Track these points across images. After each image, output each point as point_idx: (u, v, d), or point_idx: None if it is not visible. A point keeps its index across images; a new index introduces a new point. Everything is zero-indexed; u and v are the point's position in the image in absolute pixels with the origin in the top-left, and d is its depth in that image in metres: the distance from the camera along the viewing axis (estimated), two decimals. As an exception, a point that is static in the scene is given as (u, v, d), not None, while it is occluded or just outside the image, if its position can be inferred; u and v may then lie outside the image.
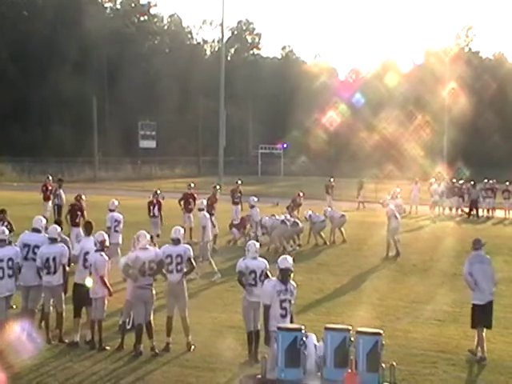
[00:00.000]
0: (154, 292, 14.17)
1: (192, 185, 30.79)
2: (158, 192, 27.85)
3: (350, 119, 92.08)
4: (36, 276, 14.47)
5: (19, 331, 14.15)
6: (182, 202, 29.10)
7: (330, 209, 31.12)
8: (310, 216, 29.00)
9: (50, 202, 31.97)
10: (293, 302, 11.87)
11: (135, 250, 14.29)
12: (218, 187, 29.45)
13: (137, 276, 13.85)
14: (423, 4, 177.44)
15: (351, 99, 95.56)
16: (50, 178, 34.65)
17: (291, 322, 11.67)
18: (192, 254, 14.67)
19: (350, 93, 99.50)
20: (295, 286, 11.97)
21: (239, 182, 34.36)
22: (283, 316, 11.52)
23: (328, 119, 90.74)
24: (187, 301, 14.56)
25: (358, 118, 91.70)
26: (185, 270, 14.50)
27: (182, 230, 15.17)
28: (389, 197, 28.74)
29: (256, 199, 27.87)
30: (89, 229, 15.23)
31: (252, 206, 27.39)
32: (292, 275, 11.89)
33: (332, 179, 41.63)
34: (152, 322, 14.01)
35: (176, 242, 14.61)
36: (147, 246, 14.29)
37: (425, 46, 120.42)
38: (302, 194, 34.09)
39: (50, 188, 32.77)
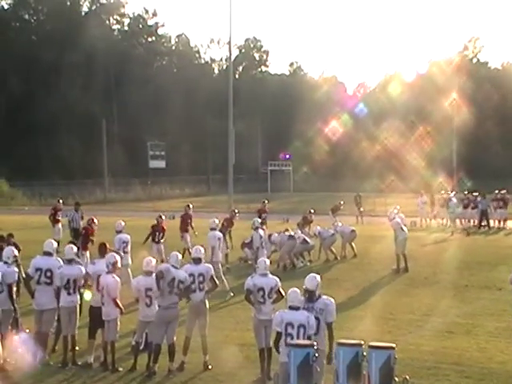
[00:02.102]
0: (178, 311, 14.16)
1: (190, 206, 30.61)
2: (163, 217, 27.10)
3: (352, 129, 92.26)
4: (49, 299, 14.56)
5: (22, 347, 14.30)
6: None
7: (340, 224, 31.11)
8: (319, 232, 29.01)
9: (60, 225, 32.06)
10: (329, 319, 11.53)
11: (167, 263, 14.26)
12: (237, 211, 29.22)
13: (164, 291, 13.76)
14: (430, 15, 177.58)
15: (354, 109, 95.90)
16: (61, 201, 34.72)
17: (330, 337, 11.50)
18: (213, 272, 14.78)
19: (353, 103, 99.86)
20: (331, 301, 11.70)
21: (266, 201, 34.23)
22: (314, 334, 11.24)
23: (331, 129, 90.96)
24: (208, 319, 14.62)
25: (360, 128, 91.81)
26: (207, 288, 14.58)
27: (203, 250, 15.20)
28: (396, 210, 28.62)
29: (260, 220, 26.01)
30: (103, 251, 15.30)
31: (256, 228, 24.64)
32: (316, 294, 11.71)
33: (342, 202, 41.34)
34: (175, 344, 14.00)
35: (197, 261, 14.67)
36: (178, 267, 14.23)
37: (430, 56, 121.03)
38: (312, 211, 34.02)
39: (59, 211, 32.83)
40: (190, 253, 26.89)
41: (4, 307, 14.11)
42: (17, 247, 17.72)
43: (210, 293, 14.87)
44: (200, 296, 14.41)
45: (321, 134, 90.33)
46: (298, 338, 10.97)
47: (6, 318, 14.21)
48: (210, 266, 14.94)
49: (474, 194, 44.10)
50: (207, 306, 14.64)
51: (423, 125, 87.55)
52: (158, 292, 13.95)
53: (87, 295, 14.36)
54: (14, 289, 14.48)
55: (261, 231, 24.84)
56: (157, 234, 25.91)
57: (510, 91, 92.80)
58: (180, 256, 14.59)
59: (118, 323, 14.32)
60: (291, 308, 11.32)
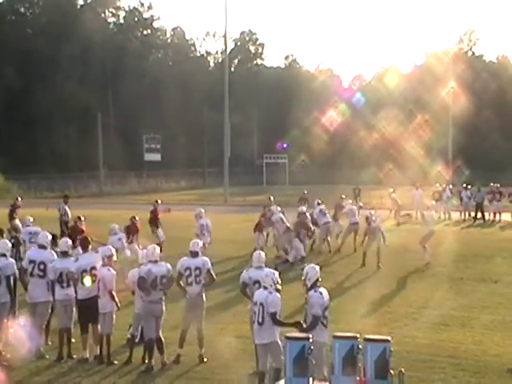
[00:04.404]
0: (164, 306, 14.09)
1: (159, 201, 30.90)
2: (137, 218, 27.36)
3: (349, 119, 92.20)
4: (42, 292, 14.54)
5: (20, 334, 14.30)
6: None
7: (355, 207, 30.61)
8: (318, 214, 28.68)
9: (17, 221, 31.91)
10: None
11: (147, 264, 14.21)
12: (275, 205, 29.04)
13: (149, 290, 13.78)
14: (425, 8, 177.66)
15: (351, 99, 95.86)
16: (20, 198, 34.72)
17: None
18: (210, 265, 14.62)
19: (350, 93, 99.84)
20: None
21: (271, 198, 33.63)
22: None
23: (328, 119, 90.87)
24: (204, 312, 14.55)
25: (358, 117, 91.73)
26: (203, 282, 14.47)
27: (201, 243, 15.08)
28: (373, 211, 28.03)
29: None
30: (85, 245, 15.02)
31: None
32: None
33: (306, 191, 41.20)
34: (162, 337, 13.95)
35: (194, 254, 14.53)
36: (158, 260, 14.14)
37: (426, 48, 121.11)
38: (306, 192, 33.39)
39: (17, 209, 32.64)
40: (161, 248, 27.06)
41: (1, 300, 14.11)
42: (17, 241, 17.70)
43: (207, 286, 14.76)
44: (197, 289, 14.31)
45: (318, 123, 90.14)
46: (259, 315, 11.72)
47: (2, 310, 14.20)
48: (207, 259, 14.78)
49: (463, 185, 44.37)
50: (204, 299, 14.53)
51: (421, 114, 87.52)
52: (141, 292, 13.99)
53: (87, 281, 14.20)
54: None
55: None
56: (130, 235, 25.81)
57: (507, 82, 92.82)
58: (158, 248, 14.47)
59: (114, 316, 14.29)
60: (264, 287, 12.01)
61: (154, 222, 28.95)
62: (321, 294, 11.65)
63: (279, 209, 28.60)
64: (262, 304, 11.68)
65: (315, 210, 30.02)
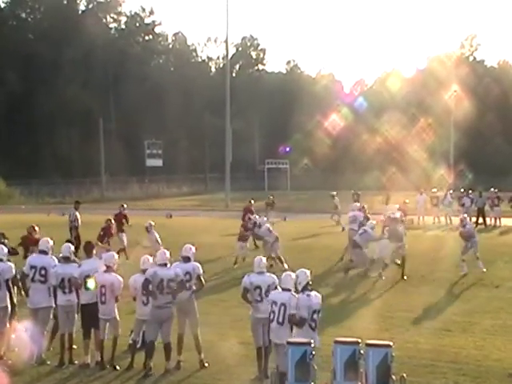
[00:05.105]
0: (172, 310, 14.01)
1: (125, 205, 31.23)
2: (113, 221, 27.82)
3: (352, 123, 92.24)
4: (43, 298, 14.51)
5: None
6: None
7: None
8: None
9: None
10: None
11: (154, 266, 14.17)
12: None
13: (156, 294, 13.73)
14: (427, 12, 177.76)
15: (353, 103, 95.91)
16: None
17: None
18: (201, 271, 14.55)
19: (352, 97, 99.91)
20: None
21: (252, 201, 34.10)
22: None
23: (330, 123, 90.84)
24: (198, 318, 14.51)
25: (360, 121, 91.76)
26: (194, 287, 14.40)
27: (194, 248, 15.00)
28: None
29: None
30: (89, 250, 14.97)
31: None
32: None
33: (272, 196, 40.98)
34: (171, 344, 13.92)
35: (186, 259, 14.49)
36: (167, 263, 14.11)
37: (428, 52, 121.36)
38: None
39: None
40: (125, 253, 27.02)
41: (1, 304, 14.12)
42: (14, 249, 17.64)
43: (197, 291, 14.61)
44: (186, 294, 14.20)
45: (320, 127, 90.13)
46: (279, 315, 11.90)
47: (3, 315, 14.20)
48: (198, 264, 14.60)
49: (461, 190, 44.39)
50: (195, 304, 14.46)
51: (424, 117, 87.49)
52: (144, 297, 14.05)
53: (91, 283, 14.19)
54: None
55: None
56: (105, 237, 25.89)
57: (510, 87, 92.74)
58: (168, 253, 14.39)
59: (119, 319, 14.26)
60: (283, 289, 12.18)
61: (117, 226, 29.10)
62: (308, 296, 11.72)
63: (265, 219, 28.46)
64: (283, 304, 11.85)
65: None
